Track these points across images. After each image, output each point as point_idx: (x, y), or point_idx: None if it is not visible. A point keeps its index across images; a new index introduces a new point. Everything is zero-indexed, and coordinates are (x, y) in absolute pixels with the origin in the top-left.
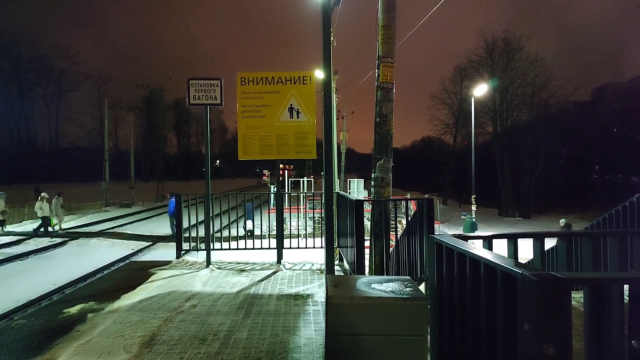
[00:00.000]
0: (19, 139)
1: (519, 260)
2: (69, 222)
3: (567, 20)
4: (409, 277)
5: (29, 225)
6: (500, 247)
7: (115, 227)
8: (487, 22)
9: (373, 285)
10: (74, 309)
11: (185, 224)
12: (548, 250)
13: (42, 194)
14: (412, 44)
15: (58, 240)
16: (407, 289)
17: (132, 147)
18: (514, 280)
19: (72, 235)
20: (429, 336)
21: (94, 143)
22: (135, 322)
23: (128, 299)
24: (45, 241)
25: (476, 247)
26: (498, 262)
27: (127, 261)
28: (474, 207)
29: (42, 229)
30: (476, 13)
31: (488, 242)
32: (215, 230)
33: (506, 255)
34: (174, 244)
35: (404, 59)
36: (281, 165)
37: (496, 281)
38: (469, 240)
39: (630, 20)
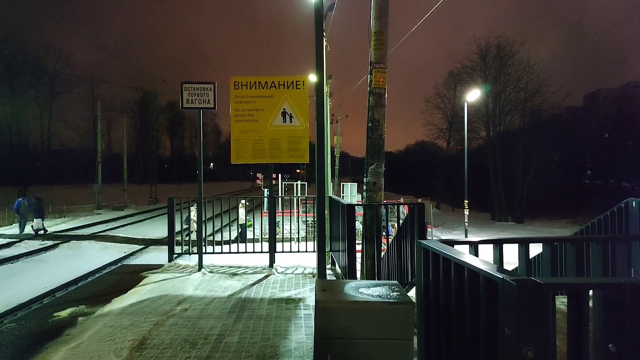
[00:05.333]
0: (10, 140)
1: (508, 266)
2: (60, 225)
3: (565, 24)
4: (396, 282)
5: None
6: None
7: (108, 230)
8: (486, 26)
9: (361, 290)
10: (64, 313)
11: (177, 227)
12: (536, 256)
13: (242, 201)
14: (410, 46)
15: (49, 243)
16: (394, 293)
17: (125, 150)
18: (495, 285)
19: (63, 238)
20: (415, 340)
21: (86, 145)
22: (126, 326)
23: (119, 303)
24: (36, 244)
25: (462, 253)
26: (481, 268)
27: (119, 264)
28: (466, 212)
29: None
30: (476, 19)
31: (474, 247)
32: (208, 233)
33: (492, 261)
34: (166, 248)
35: (401, 61)
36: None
37: (479, 286)
38: (455, 246)
39: (630, 23)
